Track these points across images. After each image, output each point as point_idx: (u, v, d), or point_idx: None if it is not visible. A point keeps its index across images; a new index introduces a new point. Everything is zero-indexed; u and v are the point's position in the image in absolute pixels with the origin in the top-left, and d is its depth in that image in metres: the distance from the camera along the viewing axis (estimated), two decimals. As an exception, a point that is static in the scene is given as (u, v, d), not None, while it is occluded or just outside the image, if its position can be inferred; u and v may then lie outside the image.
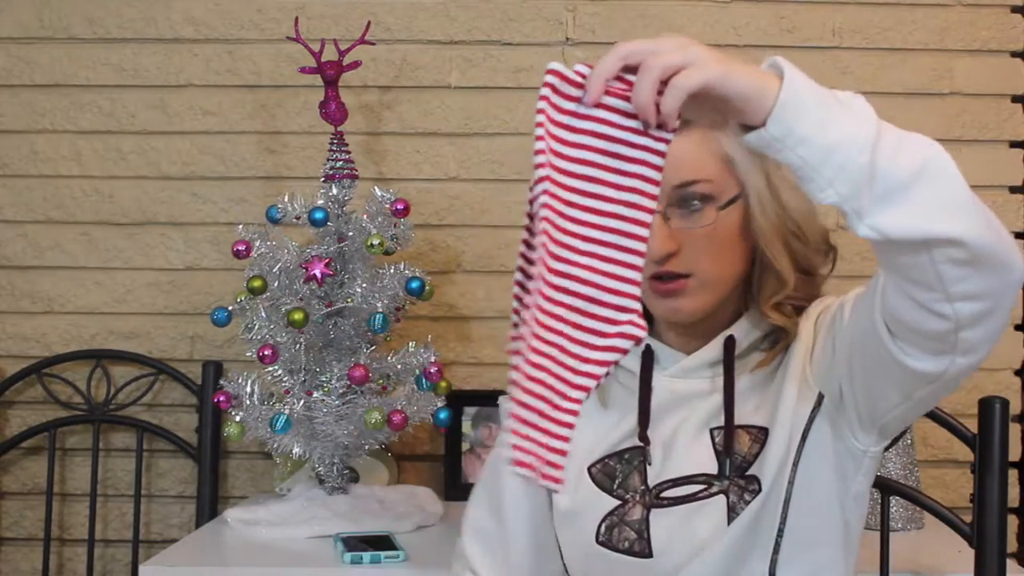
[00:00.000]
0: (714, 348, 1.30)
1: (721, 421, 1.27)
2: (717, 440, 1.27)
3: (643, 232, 0.95)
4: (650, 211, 0.95)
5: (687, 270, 1.25)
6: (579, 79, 0.96)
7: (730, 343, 1.29)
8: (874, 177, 0.98)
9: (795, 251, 1.27)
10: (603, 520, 1.29)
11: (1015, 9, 2.30)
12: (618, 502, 1.29)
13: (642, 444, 1.29)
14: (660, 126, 0.95)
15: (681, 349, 1.32)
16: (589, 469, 1.32)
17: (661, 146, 0.95)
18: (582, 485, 1.31)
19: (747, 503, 1.23)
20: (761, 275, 1.29)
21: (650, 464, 1.29)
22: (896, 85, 2.29)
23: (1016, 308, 2.33)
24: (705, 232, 1.24)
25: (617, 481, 1.30)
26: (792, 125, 0.95)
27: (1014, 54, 2.30)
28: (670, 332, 1.34)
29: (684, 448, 1.28)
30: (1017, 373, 2.28)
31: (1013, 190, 2.30)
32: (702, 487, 1.26)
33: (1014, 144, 2.29)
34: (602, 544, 1.28)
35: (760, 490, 1.23)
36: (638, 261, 0.95)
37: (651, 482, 1.28)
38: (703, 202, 1.24)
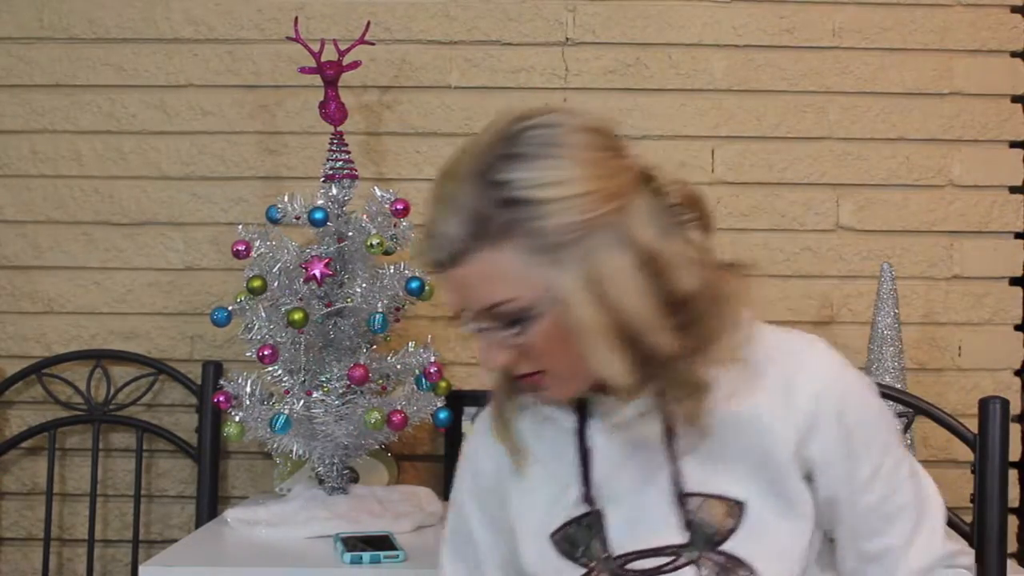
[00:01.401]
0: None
1: (687, 487, 1.19)
2: (687, 507, 1.19)
3: None
4: None
5: (534, 368, 1.17)
6: None
7: None
8: None
9: (640, 344, 1.13)
10: None
11: (1015, 9, 2.30)
12: (582, 569, 1.22)
13: (597, 508, 1.22)
14: None
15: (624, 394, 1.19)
16: (552, 537, 1.25)
17: None
18: (547, 554, 1.24)
19: None
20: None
21: (608, 531, 1.21)
22: (896, 85, 2.29)
23: (1016, 308, 2.34)
24: (530, 341, 1.14)
25: (580, 549, 1.23)
26: None
27: (1014, 54, 2.30)
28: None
29: (647, 513, 1.21)
30: (1017, 373, 2.28)
31: (1013, 190, 2.30)
32: (668, 560, 1.19)
33: (1014, 144, 2.30)
34: None
35: None
36: None
37: (616, 549, 1.21)
38: (519, 320, 1.13)
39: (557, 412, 1.26)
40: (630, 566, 1.20)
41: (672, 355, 1.13)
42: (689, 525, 1.19)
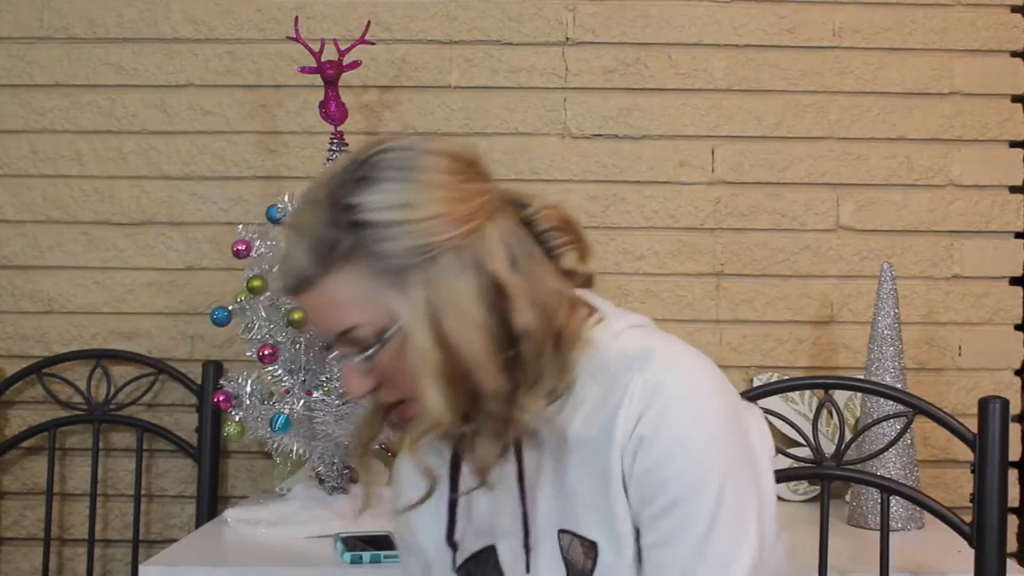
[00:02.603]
0: None
1: (561, 523, 1.15)
2: (561, 544, 1.15)
3: None
4: None
5: (397, 397, 1.13)
6: None
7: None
8: None
9: (461, 395, 1.09)
10: None
11: (1015, 9, 2.30)
12: None
13: (490, 543, 1.20)
14: None
15: None
16: (456, 571, 1.24)
17: None
18: None
19: None
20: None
21: (502, 565, 1.19)
22: (896, 85, 2.29)
23: (1016, 308, 2.34)
24: (388, 367, 1.10)
25: None
26: None
27: (1014, 54, 2.30)
28: None
29: (535, 552, 1.17)
30: (1017, 373, 2.28)
31: (1013, 190, 2.30)
32: None
33: (1014, 144, 2.30)
34: None
35: None
36: None
37: None
38: (369, 343, 1.10)
39: (433, 461, 1.21)
40: None
41: (494, 393, 1.09)
42: (565, 562, 1.14)
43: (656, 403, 1.08)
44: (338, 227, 1.08)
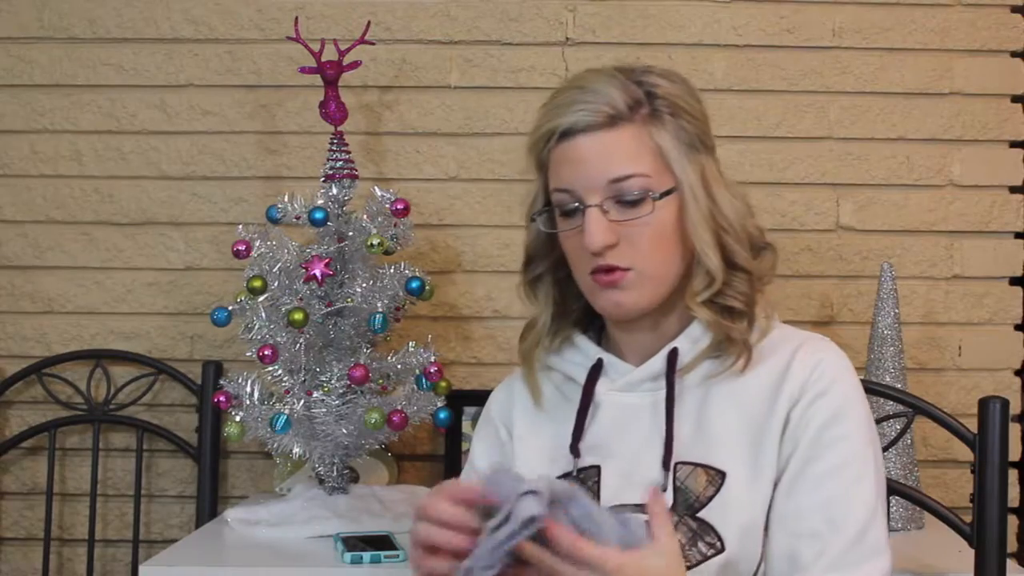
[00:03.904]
0: (659, 360, 1.31)
1: (681, 455, 1.26)
2: (676, 474, 1.26)
3: None
4: None
5: (627, 264, 1.26)
6: None
7: (673, 355, 1.30)
8: None
9: (725, 245, 1.29)
10: None
11: (1015, 9, 2.30)
12: None
13: (596, 463, 1.30)
14: None
15: (634, 362, 1.33)
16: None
17: None
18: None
19: (704, 556, 1.22)
20: (691, 272, 1.30)
21: (602, 486, 1.28)
22: (896, 85, 2.29)
23: (1016, 308, 2.34)
24: (643, 224, 1.26)
25: None
26: None
27: (1014, 54, 2.30)
28: (622, 342, 1.35)
29: (640, 474, 1.27)
30: (1017, 373, 2.28)
31: (1013, 190, 2.30)
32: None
33: (1014, 144, 2.30)
34: None
35: (722, 548, 1.22)
36: None
37: (605, 503, 1.26)
38: (640, 195, 1.26)
39: (575, 371, 1.35)
40: None
41: (745, 261, 1.28)
42: (675, 491, 1.24)
43: (823, 370, 1.26)
44: (644, 93, 1.28)
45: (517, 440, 1.38)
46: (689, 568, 1.21)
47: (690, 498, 1.24)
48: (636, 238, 1.26)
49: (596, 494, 1.28)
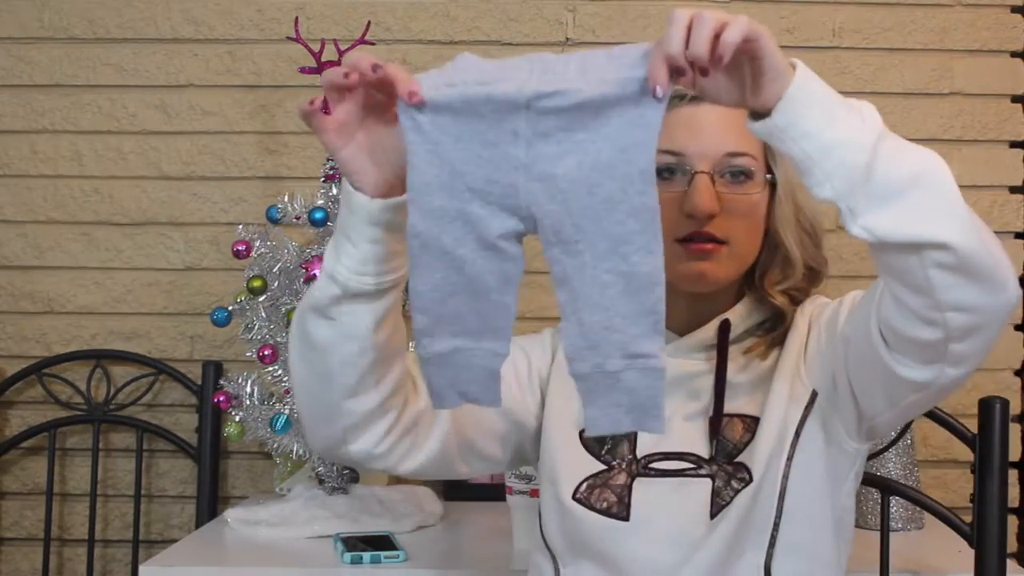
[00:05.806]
0: (710, 330, 1.34)
1: (720, 411, 1.30)
2: (717, 427, 1.30)
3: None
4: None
5: (724, 236, 1.28)
6: None
7: (725, 326, 1.33)
8: (870, 178, 1.01)
9: (805, 246, 1.34)
10: (585, 480, 1.31)
11: (1015, 9, 2.30)
12: (604, 466, 1.32)
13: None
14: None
15: (677, 331, 1.34)
16: (580, 433, 1.34)
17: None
18: (571, 447, 1.34)
19: (736, 491, 1.25)
20: (770, 260, 1.34)
21: (639, 435, 1.31)
22: (896, 85, 2.29)
23: (1016, 309, 2.33)
24: (747, 201, 1.29)
25: (606, 448, 1.33)
26: (797, 118, 1.00)
27: (1014, 54, 2.30)
28: (673, 310, 1.36)
29: (679, 430, 1.30)
30: (1017, 373, 2.28)
31: (1013, 190, 2.30)
32: (691, 466, 1.29)
33: (1014, 144, 2.30)
34: (577, 501, 1.30)
35: (750, 480, 1.25)
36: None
37: (640, 453, 1.31)
38: (746, 175, 1.29)
39: None
40: (653, 465, 1.30)
41: (812, 258, 1.34)
42: (716, 443, 1.29)
43: (818, 301, 1.35)
44: None
45: (551, 392, 1.38)
46: (723, 506, 1.25)
47: (728, 447, 1.28)
48: (737, 214, 1.28)
49: (632, 444, 1.31)
